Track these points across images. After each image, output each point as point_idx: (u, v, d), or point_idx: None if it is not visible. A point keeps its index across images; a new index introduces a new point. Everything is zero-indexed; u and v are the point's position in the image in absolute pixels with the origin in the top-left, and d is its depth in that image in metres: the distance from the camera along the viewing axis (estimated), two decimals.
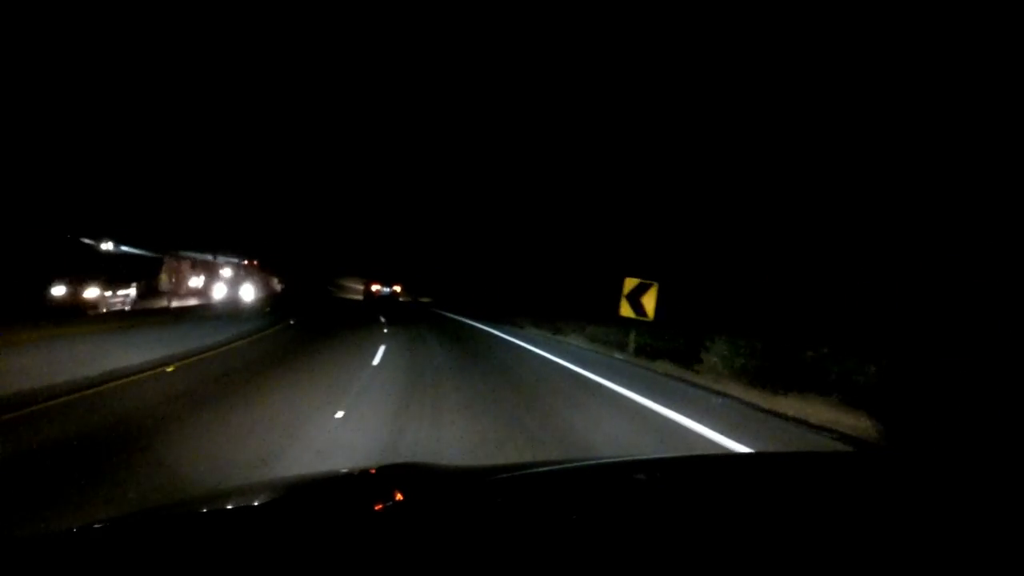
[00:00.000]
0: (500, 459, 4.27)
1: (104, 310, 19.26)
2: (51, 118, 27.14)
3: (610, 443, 5.14)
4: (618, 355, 13.26)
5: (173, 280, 36.19)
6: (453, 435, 4.98)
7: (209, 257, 52.94)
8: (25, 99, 24.55)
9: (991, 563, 0.80)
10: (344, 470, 1.55)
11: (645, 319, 12.86)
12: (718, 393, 8.45)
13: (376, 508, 1.09)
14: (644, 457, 2.10)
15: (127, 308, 21.46)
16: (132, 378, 7.16)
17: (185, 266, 39.89)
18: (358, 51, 79.52)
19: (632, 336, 13.46)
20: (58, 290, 18.01)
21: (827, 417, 6.86)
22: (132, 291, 24.56)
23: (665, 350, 12.45)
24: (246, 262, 69.03)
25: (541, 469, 1.42)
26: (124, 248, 33.47)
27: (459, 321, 25.02)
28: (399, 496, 1.15)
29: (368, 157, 78.08)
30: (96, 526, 1.00)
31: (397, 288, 44.72)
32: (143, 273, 33.54)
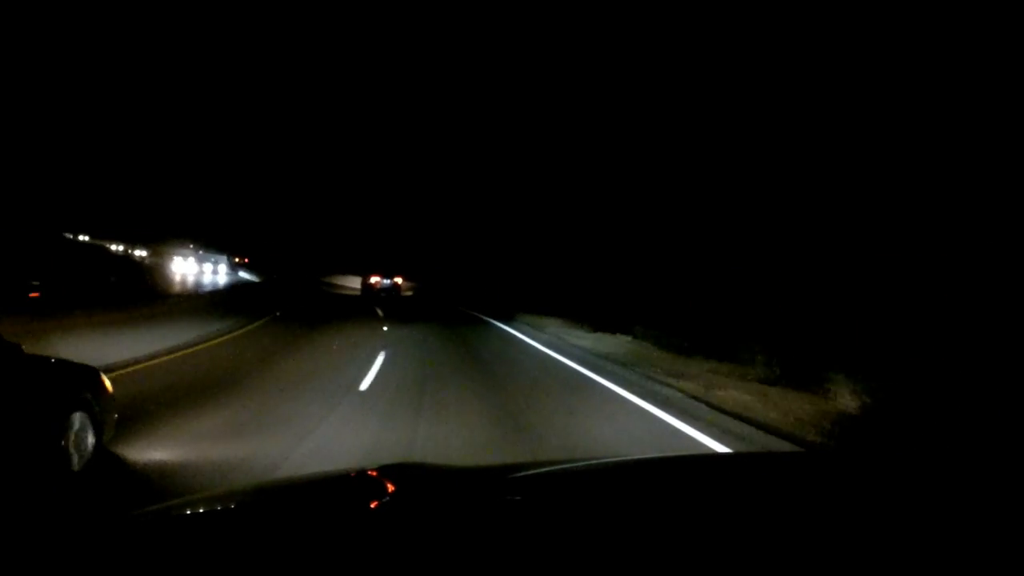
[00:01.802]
0: None
1: None
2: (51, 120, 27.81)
3: None
4: None
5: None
6: None
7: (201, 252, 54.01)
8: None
9: (971, 560, 0.80)
10: (344, 470, 1.60)
11: None
12: None
13: (372, 505, 1.11)
14: (646, 457, 2.16)
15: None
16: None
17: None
18: (355, 44, 78.83)
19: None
20: None
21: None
22: None
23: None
24: (237, 259, 68.43)
25: (542, 470, 1.44)
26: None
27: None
28: (397, 495, 1.17)
29: (366, 155, 77.50)
30: (95, 527, 1.02)
31: (399, 280, 42.06)
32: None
